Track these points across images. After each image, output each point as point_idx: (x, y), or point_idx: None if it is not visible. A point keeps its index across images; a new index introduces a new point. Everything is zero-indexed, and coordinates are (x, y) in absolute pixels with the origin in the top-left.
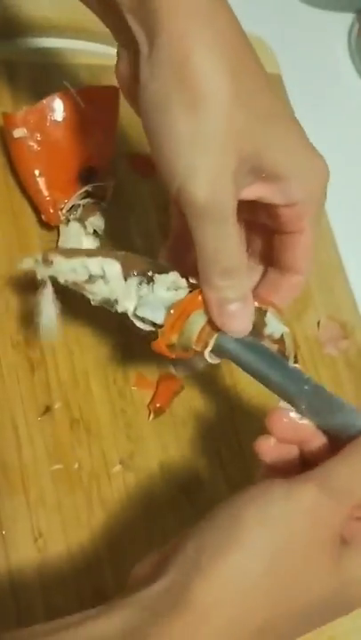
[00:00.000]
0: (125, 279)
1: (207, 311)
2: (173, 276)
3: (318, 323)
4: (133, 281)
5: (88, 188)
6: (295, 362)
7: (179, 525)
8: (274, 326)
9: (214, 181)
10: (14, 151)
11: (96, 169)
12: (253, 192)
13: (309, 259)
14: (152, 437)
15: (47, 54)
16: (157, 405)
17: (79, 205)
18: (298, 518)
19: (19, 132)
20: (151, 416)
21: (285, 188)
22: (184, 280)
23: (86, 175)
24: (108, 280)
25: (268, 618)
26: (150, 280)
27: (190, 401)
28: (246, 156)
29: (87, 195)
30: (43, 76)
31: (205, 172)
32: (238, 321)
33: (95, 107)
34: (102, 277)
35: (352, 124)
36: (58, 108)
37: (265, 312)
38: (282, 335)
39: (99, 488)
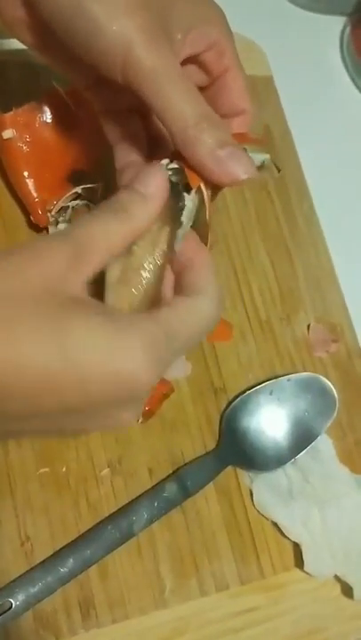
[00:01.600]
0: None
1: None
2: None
3: (308, 326)
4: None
5: (77, 189)
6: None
7: (167, 530)
8: (257, 158)
9: (152, 39)
10: (3, 152)
11: (86, 170)
12: (185, 48)
13: (246, 95)
14: (141, 441)
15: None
16: (147, 409)
17: (68, 207)
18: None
19: (8, 133)
20: (140, 419)
21: (203, 33)
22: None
23: (76, 177)
24: None
25: None
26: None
27: (180, 404)
28: (161, 12)
29: (77, 196)
30: (32, 76)
31: (140, 32)
32: (242, 161)
33: (85, 108)
34: None
35: (344, 128)
36: (47, 109)
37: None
38: (263, 162)
39: (86, 492)
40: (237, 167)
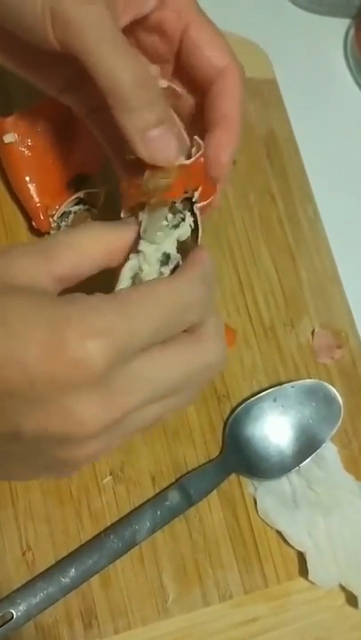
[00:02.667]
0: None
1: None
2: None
3: (313, 332)
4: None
5: (80, 194)
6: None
7: (170, 538)
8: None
9: None
10: (5, 157)
11: (88, 175)
12: (128, 9)
13: (220, 45)
14: (143, 448)
15: None
16: None
17: (70, 212)
18: None
19: (9, 138)
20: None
21: None
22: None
23: (78, 181)
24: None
25: None
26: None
27: (183, 411)
28: None
29: (79, 201)
30: None
31: None
32: (163, 146)
33: None
34: None
35: (349, 131)
36: (49, 113)
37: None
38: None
39: (88, 500)
40: (163, 153)
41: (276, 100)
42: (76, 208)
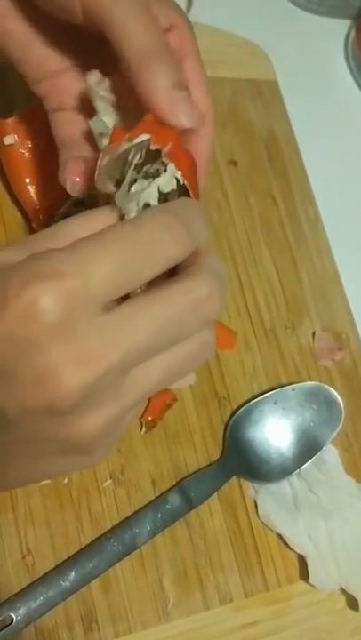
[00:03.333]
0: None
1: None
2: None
3: (313, 334)
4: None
5: (80, 196)
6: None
7: (170, 542)
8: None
9: None
10: (4, 158)
11: None
12: None
13: (204, 90)
14: (144, 451)
15: None
16: (149, 418)
17: (71, 214)
18: None
19: (9, 139)
20: (143, 429)
21: (164, 8)
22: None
23: None
24: None
25: None
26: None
27: (183, 414)
28: None
29: (79, 203)
30: None
31: None
32: (186, 108)
33: None
34: None
35: (350, 132)
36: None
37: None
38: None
39: (89, 503)
40: (186, 114)
41: (276, 101)
42: (76, 210)
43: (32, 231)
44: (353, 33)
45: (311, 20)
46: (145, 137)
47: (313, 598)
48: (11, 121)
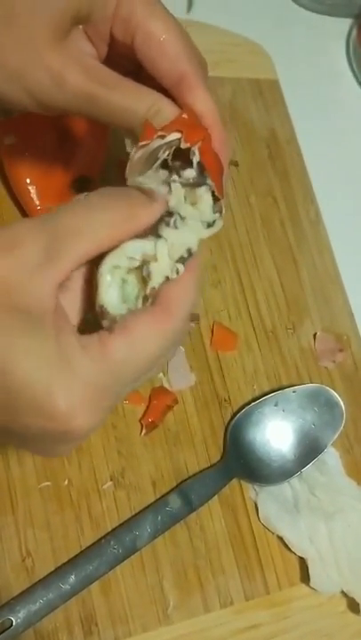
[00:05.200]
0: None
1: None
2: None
3: (314, 335)
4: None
5: (81, 196)
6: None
7: (171, 544)
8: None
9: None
10: (5, 158)
11: (89, 177)
12: None
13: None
14: (144, 453)
15: None
16: (150, 420)
17: None
18: None
19: (9, 139)
20: (143, 431)
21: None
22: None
23: (79, 183)
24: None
25: None
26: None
27: (184, 416)
28: None
29: None
30: None
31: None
32: None
33: None
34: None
35: (351, 131)
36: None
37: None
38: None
39: (89, 505)
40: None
41: (277, 101)
42: None
43: None
44: (355, 32)
45: (313, 18)
46: (176, 135)
47: (314, 601)
48: (12, 121)
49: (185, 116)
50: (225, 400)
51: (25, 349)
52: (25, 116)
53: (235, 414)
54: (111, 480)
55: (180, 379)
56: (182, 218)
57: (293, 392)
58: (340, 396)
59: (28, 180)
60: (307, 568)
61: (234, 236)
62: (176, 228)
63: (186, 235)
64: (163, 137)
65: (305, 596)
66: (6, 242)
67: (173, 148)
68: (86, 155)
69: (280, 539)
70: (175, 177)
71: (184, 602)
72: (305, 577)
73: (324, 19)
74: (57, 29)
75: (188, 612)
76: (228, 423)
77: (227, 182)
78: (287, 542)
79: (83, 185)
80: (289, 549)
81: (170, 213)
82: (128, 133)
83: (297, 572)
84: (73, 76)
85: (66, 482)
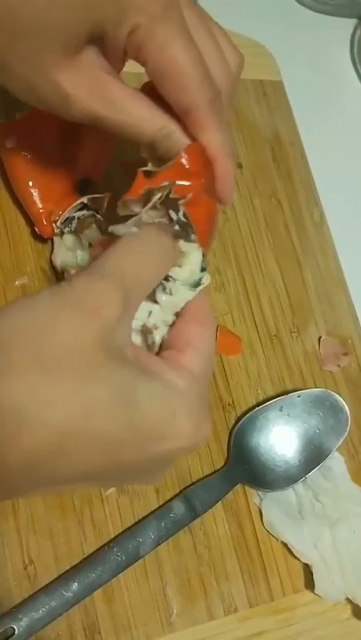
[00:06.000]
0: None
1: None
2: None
3: (319, 339)
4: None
5: (84, 199)
6: None
7: (174, 551)
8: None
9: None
10: (7, 161)
11: (92, 180)
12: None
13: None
14: None
15: None
16: None
17: (74, 217)
18: (62, 306)
19: (11, 142)
20: None
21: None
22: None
23: (82, 186)
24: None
25: None
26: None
27: None
28: None
29: (83, 206)
30: None
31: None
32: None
33: None
34: None
35: (355, 132)
36: (52, 116)
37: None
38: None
39: (91, 512)
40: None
41: (281, 102)
42: (80, 213)
43: (34, 234)
44: (359, 32)
45: (317, 19)
46: (166, 185)
47: (318, 608)
48: (13, 123)
49: (184, 160)
50: (229, 404)
51: (139, 390)
52: (27, 118)
53: (239, 419)
54: (114, 486)
55: None
56: (174, 280)
57: (298, 397)
58: (344, 400)
59: (30, 183)
60: (311, 574)
61: (237, 238)
62: (171, 294)
63: (178, 298)
64: (151, 191)
65: (309, 602)
66: (92, 309)
67: (166, 192)
68: (89, 157)
69: (284, 545)
70: (165, 220)
71: (188, 609)
72: (309, 583)
73: (328, 19)
74: (67, 46)
75: (191, 619)
76: (232, 428)
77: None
78: (291, 548)
79: (85, 187)
80: (293, 556)
81: (166, 277)
82: (142, 146)
83: (301, 579)
84: (80, 95)
85: None
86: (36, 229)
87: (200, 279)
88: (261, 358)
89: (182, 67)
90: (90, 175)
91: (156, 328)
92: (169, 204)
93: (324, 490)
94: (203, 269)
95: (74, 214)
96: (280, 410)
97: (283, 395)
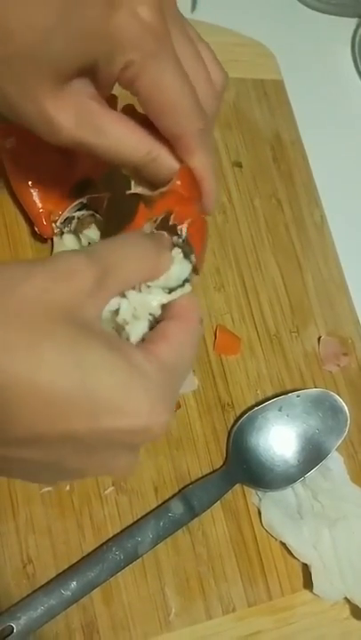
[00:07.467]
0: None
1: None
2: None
3: (319, 339)
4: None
5: (83, 199)
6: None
7: (173, 550)
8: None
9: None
10: (6, 161)
11: (91, 180)
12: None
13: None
14: (146, 458)
15: None
16: None
17: (74, 217)
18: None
19: (11, 142)
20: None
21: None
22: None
23: (81, 186)
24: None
25: None
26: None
27: (186, 420)
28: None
29: (82, 206)
30: None
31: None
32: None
33: None
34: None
35: (357, 132)
36: None
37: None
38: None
39: (90, 511)
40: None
41: (282, 102)
42: (80, 213)
43: (34, 234)
44: (360, 31)
45: (318, 18)
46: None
47: (317, 608)
48: (13, 124)
49: (178, 182)
50: (228, 404)
51: (100, 359)
52: None
53: (238, 419)
54: (113, 485)
55: (183, 383)
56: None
57: (297, 397)
58: (344, 400)
59: (29, 183)
60: (310, 574)
61: (237, 238)
62: (140, 291)
63: (149, 298)
64: (155, 221)
65: (308, 602)
66: (64, 273)
67: (162, 216)
68: (88, 157)
69: (283, 545)
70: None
71: (186, 608)
72: (308, 583)
73: (330, 19)
74: (59, 76)
75: (190, 618)
76: (231, 428)
77: (231, 184)
78: (290, 548)
79: (84, 187)
80: (292, 555)
81: None
82: (129, 170)
83: (300, 579)
84: (66, 122)
85: (67, 487)
86: (36, 229)
87: (177, 286)
88: (261, 358)
89: (175, 100)
90: (89, 175)
91: (127, 324)
92: (168, 229)
93: (323, 490)
94: (186, 280)
95: (73, 214)
96: (279, 410)
97: (282, 395)
